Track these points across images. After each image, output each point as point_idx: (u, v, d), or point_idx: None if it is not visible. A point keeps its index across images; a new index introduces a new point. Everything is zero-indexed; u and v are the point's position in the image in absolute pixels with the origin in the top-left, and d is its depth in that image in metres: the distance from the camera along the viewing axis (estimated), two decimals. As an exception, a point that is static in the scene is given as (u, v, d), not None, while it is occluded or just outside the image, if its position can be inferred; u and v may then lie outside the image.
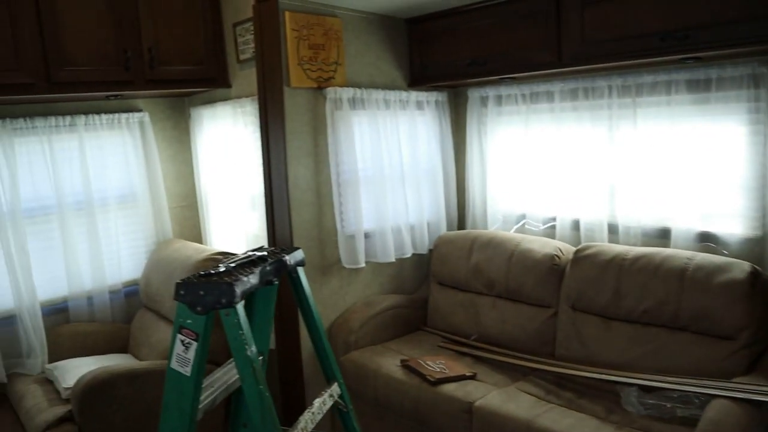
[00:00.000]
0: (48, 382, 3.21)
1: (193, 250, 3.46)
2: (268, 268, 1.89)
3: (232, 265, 1.86)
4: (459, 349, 3.34)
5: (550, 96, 3.42)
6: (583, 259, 3.08)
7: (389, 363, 3.19)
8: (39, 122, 3.40)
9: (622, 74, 3.09)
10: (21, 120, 3.34)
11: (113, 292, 3.75)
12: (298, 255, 2.10)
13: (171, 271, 3.41)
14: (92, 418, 2.84)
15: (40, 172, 3.47)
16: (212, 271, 1.81)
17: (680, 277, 2.70)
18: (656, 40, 2.67)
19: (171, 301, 3.34)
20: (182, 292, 1.76)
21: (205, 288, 1.73)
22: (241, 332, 1.73)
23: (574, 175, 3.37)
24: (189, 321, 1.76)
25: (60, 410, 2.88)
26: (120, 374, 2.96)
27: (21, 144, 3.39)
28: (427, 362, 3.11)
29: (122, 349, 3.62)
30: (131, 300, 3.81)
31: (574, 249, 3.21)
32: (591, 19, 2.91)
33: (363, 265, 3.38)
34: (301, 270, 2.11)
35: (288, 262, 2.00)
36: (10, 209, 3.30)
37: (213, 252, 3.33)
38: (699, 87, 2.87)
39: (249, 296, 1.93)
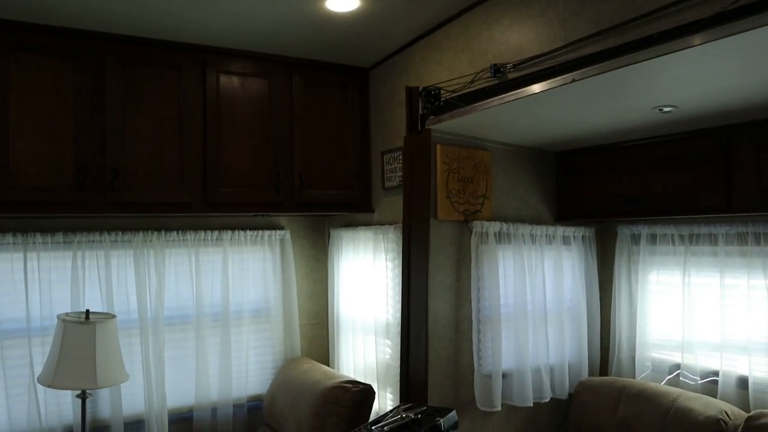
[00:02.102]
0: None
1: (322, 375, 3.38)
2: (423, 435, 1.75)
3: (386, 429, 1.73)
4: None
5: (713, 239, 3.16)
6: (757, 429, 2.69)
7: None
8: (189, 235, 3.55)
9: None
10: (174, 233, 3.50)
11: (237, 406, 3.71)
12: (452, 418, 1.94)
13: (298, 393, 3.33)
14: None
15: (184, 282, 3.58)
16: (366, 436, 1.69)
17: None
18: None
19: (295, 425, 3.27)
20: (333, 457, 1.64)
21: (359, 457, 1.60)
22: None
23: (743, 325, 3.03)
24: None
25: None
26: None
27: (170, 255, 3.54)
28: None
29: (241, 467, 3.54)
30: (253, 415, 3.76)
31: (745, 414, 2.82)
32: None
33: (498, 408, 3.15)
34: (453, 434, 1.95)
35: (441, 427, 1.85)
36: (154, 316, 3.42)
37: (342, 380, 3.22)
38: None
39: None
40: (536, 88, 2.45)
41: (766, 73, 2.15)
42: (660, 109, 2.62)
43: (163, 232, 3.47)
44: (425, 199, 3.05)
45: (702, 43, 1.88)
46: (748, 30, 1.77)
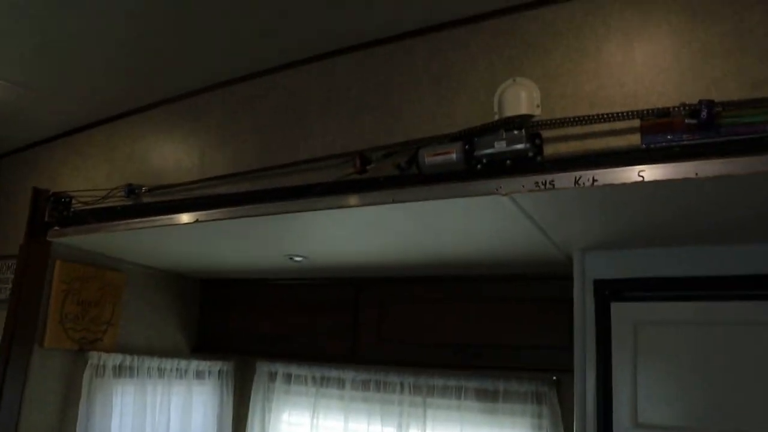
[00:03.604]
0: None
1: None
2: None
3: None
4: None
5: (341, 383, 3.25)
6: None
7: None
8: None
9: (415, 373, 3.03)
10: None
11: None
12: None
13: None
14: None
15: None
16: None
17: None
18: (449, 352, 2.75)
19: None
20: None
21: None
22: None
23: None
24: None
25: None
26: None
27: None
28: None
29: None
30: None
31: None
32: (388, 319, 2.94)
33: None
34: None
35: None
36: None
37: None
38: (487, 396, 2.87)
39: None
40: (165, 220, 2.31)
41: (377, 241, 2.32)
42: (291, 258, 2.67)
43: None
44: (31, 321, 2.62)
45: (305, 211, 1.95)
46: (349, 207, 1.87)
